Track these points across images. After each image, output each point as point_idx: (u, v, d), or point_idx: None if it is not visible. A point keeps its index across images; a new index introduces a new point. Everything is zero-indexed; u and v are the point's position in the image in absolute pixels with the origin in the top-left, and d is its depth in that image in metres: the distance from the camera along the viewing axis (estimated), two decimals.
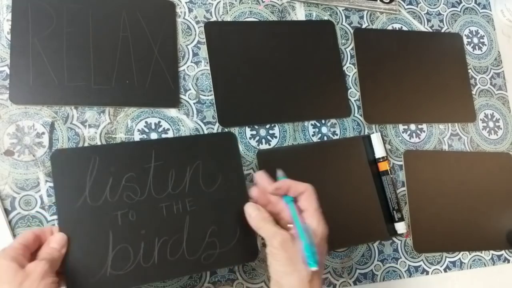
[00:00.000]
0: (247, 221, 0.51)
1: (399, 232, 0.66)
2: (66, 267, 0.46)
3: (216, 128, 0.62)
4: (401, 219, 0.66)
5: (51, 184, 0.53)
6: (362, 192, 0.66)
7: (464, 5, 0.82)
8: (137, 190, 0.50)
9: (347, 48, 0.72)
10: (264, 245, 0.57)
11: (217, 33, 0.65)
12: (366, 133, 0.69)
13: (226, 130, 0.62)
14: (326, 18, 0.72)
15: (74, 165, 0.49)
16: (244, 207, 0.52)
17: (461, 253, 0.70)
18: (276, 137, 0.65)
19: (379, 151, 0.67)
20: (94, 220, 0.48)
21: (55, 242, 0.46)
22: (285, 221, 0.51)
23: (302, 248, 0.46)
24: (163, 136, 0.59)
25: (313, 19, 0.71)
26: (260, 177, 0.54)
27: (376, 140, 0.67)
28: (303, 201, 0.50)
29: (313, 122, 0.67)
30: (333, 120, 0.68)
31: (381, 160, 0.67)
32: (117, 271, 0.48)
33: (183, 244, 0.50)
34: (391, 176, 0.67)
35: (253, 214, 0.51)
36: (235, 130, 0.63)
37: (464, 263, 0.70)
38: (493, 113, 0.78)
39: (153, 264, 0.49)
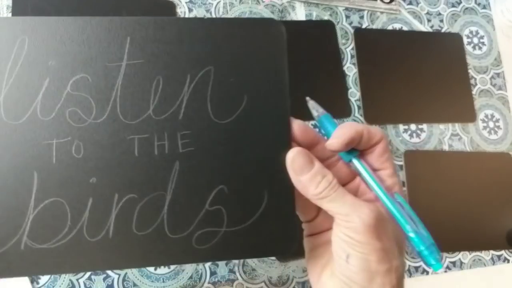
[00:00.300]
0: (292, 181, 0.30)
1: None
2: None
3: None
4: None
5: None
6: None
7: (464, 5, 0.82)
8: (92, 105, 0.29)
9: (347, 48, 0.72)
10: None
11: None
12: None
13: None
14: (326, 18, 0.72)
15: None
16: (288, 156, 0.30)
17: (461, 253, 0.70)
18: None
19: None
20: (9, 149, 0.28)
21: None
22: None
23: (403, 235, 0.31)
24: None
25: (313, 19, 0.71)
26: (302, 129, 0.33)
27: None
28: (377, 156, 0.31)
29: (313, 122, 0.67)
30: None
31: None
32: (38, 243, 0.28)
33: (163, 210, 0.29)
34: None
35: (309, 170, 0.29)
36: None
37: (464, 263, 0.70)
38: (493, 113, 0.78)
39: (105, 238, 0.28)
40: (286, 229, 0.31)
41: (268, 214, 0.30)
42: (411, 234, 0.30)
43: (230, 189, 0.30)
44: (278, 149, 0.30)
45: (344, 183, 0.32)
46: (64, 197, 0.28)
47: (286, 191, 0.30)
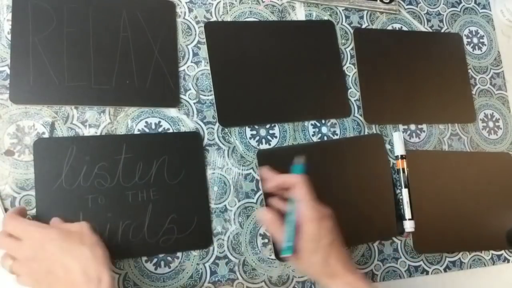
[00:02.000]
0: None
1: (407, 230, 0.66)
2: None
3: (216, 128, 0.62)
4: (411, 218, 0.66)
5: None
6: (374, 190, 0.67)
7: (464, 5, 0.82)
8: (107, 178, 0.55)
9: (347, 48, 0.72)
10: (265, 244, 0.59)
11: (218, 33, 0.65)
12: (366, 133, 0.69)
13: (226, 129, 0.62)
14: (326, 18, 0.72)
15: (53, 152, 0.54)
16: (258, 214, 0.59)
17: (461, 253, 0.70)
18: (276, 137, 0.65)
19: (399, 149, 0.69)
20: (68, 201, 0.53)
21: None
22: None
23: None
24: None
25: (313, 19, 0.71)
26: (265, 173, 0.58)
27: (397, 138, 0.69)
28: (296, 192, 0.53)
29: (313, 122, 0.67)
30: (333, 120, 0.68)
31: (400, 158, 0.69)
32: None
33: (144, 228, 0.55)
34: (405, 175, 0.68)
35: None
36: (235, 130, 0.63)
37: (464, 263, 0.70)
38: (493, 113, 0.78)
39: (116, 243, 0.54)
40: (205, 236, 0.58)
41: (196, 229, 0.58)
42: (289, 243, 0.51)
43: (178, 216, 0.57)
44: (200, 196, 0.59)
45: None
46: (95, 223, 0.51)
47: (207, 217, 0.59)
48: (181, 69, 0.63)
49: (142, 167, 0.56)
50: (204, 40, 0.64)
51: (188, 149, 0.59)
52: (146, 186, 0.56)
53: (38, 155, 0.53)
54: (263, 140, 0.64)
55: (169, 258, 0.56)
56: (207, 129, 0.62)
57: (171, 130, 0.60)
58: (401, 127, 0.72)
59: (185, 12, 0.65)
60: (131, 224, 0.55)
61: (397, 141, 0.69)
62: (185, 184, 0.58)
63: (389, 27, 0.75)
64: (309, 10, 0.71)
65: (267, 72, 0.66)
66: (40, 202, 0.52)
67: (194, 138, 0.60)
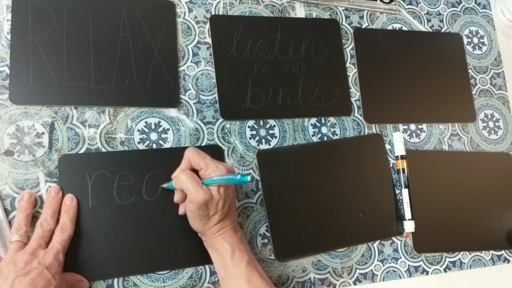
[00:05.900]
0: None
1: (407, 230, 0.66)
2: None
3: (216, 128, 0.62)
4: (411, 218, 0.66)
5: (51, 184, 0.54)
6: (373, 190, 0.67)
7: (464, 5, 0.82)
8: (268, 51, 0.66)
9: (347, 48, 0.72)
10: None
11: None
12: (366, 133, 0.69)
13: (226, 129, 0.62)
14: (326, 18, 0.72)
15: (224, 29, 0.66)
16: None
17: (461, 253, 0.70)
18: (276, 137, 0.65)
19: (399, 149, 0.69)
20: (239, 68, 0.65)
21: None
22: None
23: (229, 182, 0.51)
24: (163, 136, 0.59)
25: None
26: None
27: (397, 138, 0.69)
28: (193, 165, 0.53)
29: (313, 122, 0.67)
30: (333, 120, 0.68)
31: (400, 158, 0.69)
32: (253, 106, 0.64)
33: (298, 95, 0.66)
34: (405, 175, 0.68)
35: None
36: (236, 124, 0.63)
37: (464, 263, 0.70)
38: (493, 113, 0.78)
39: (277, 105, 0.65)
40: (346, 105, 0.69)
41: (339, 99, 0.69)
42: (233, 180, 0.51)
43: (324, 88, 0.68)
44: (340, 71, 0.72)
45: None
46: (261, 88, 0.65)
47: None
48: (181, 69, 0.62)
49: (294, 45, 0.68)
50: (204, 40, 0.64)
51: (326, 34, 0.71)
52: (298, 61, 0.67)
53: (215, 31, 0.65)
54: (263, 140, 0.64)
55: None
56: (207, 129, 0.62)
57: (171, 131, 0.60)
58: (401, 127, 0.72)
59: (185, 12, 0.65)
60: (289, 91, 0.66)
61: (397, 141, 0.69)
62: (329, 61, 0.69)
63: (389, 27, 0.75)
64: (309, 10, 0.71)
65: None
66: (218, 66, 0.63)
67: (333, 25, 0.72)
